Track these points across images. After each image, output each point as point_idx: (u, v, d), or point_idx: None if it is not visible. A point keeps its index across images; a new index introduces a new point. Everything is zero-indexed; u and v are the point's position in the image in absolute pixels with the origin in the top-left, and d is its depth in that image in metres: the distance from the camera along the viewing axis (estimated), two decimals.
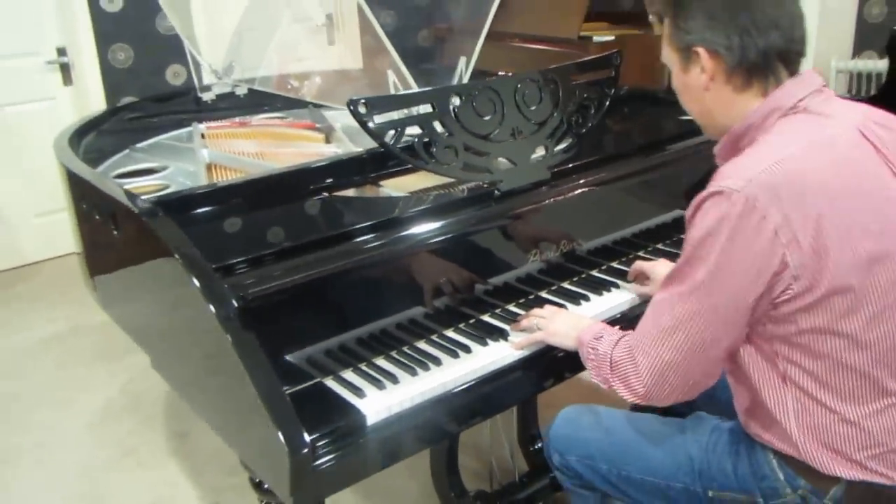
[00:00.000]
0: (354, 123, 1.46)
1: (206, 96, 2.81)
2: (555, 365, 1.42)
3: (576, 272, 1.66)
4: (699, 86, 1.19)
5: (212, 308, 1.15)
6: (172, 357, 1.49)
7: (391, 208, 1.51)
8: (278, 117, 2.76)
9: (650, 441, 1.32)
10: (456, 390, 1.32)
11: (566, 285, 1.64)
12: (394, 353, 1.39)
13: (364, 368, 1.35)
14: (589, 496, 1.41)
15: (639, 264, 1.60)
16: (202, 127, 2.54)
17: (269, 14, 2.97)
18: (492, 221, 1.53)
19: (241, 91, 2.88)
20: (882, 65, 3.75)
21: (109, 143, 2.37)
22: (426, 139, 1.49)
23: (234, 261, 1.27)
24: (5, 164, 3.85)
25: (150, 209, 1.35)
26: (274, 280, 1.25)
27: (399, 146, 1.46)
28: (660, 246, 1.82)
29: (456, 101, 1.52)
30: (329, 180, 1.66)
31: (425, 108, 1.52)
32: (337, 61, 3.36)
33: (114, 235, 1.54)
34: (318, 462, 1.14)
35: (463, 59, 1.82)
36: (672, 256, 1.68)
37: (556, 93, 1.67)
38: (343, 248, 1.35)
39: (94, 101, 3.89)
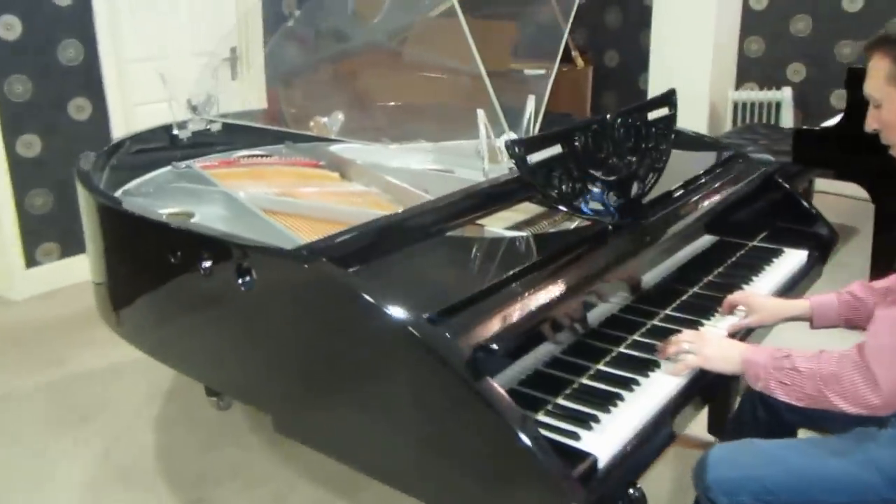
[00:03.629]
0: (377, 160, 1.45)
1: (182, 134, 2.63)
2: (708, 389, 1.51)
3: (672, 301, 1.77)
4: None
5: (457, 370, 1.13)
6: (349, 430, 1.39)
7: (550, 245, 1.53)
8: (262, 155, 2.65)
9: (831, 462, 1.39)
10: (650, 419, 1.37)
11: (671, 312, 1.73)
12: (570, 393, 1.42)
13: (554, 411, 1.36)
14: None
15: (731, 297, 1.72)
16: (197, 167, 2.40)
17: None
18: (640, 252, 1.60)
19: (216, 127, 2.73)
20: (772, 95, 4.23)
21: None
22: (561, 177, 1.53)
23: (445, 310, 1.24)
24: None
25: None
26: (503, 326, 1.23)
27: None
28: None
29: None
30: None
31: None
32: (239, 98, 3.26)
33: (239, 292, 1.44)
34: None
35: (532, 98, 1.87)
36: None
37: (640, 132, 1.77)
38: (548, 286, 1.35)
39: None
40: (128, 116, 3.89)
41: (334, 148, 2.56)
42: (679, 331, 1.62)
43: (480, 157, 1.85)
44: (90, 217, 1.91)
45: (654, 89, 4.69)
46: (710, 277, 1.89)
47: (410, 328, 1.16)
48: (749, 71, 4.57)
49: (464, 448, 1.19)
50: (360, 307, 1.20)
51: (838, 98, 4.30)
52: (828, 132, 2.92)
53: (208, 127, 2.71)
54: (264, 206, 1.96)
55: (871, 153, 2.76)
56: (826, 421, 1.57)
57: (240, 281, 1.40)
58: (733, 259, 2.00)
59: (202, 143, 2.64)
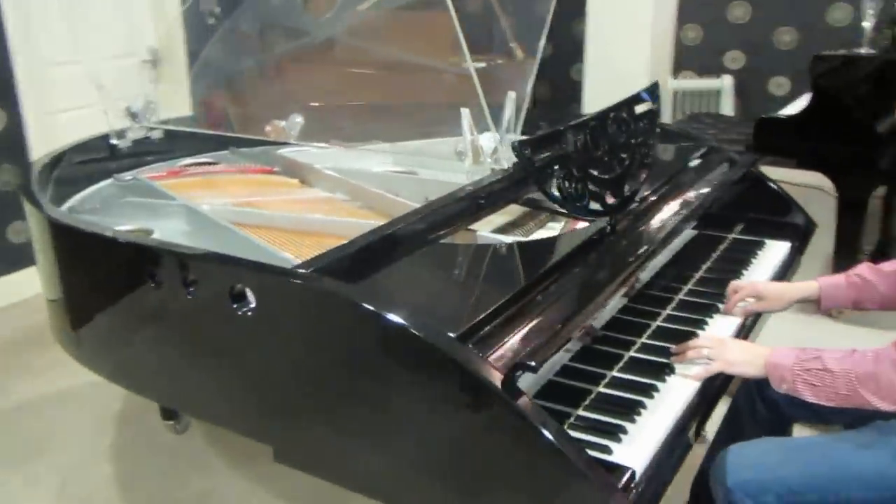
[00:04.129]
0: (336, 163, 1.34)
1: (122, 143, 2.44)
2: (721, 390, 1.47)
3: (670, 301, 1.72)
4: None
5: (496, 391, 1.04)
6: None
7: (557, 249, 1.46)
8: (208, 162, 2.50)
9: (855, 456, 1.37)
10: (674, 426, 1.31)
11: (672, 312, 1.69)
12: (590, 403, 1.35)
13: (578, 423, 1.30)
14: None
15: (736, 284, 1.70)
16: (144, 178, 2.23)
17: None
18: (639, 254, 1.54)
19: (157, 135, 2.55)
20: (712, 83, 4.28)
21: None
22: (563, 178, 1.46)
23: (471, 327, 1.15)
24: None
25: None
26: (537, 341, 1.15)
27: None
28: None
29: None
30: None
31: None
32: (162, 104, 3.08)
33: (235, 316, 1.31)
34: None
35: (512, 95, 1.79)
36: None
37: (630, 127, 1.72)
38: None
39: None
40: (47, 125, 3.62)
41: (285, 152, 2.43)
42: (685, 331, 1.59)
43: (462, 158, 1.76)
44: (44, 242, 1.73)
45: (591, 79, 4.68)
46: (701, 273, 1.86)
47: (442, 349, 1.07)
48: (687, 59, 4.61)
49: (504, 472, 1.11)
50: (384, 330, 1.10)
51: (777, 86, 4.38)
52: (793, 120, 2.95)
53: (148, 135, 2.53)
54: (233, 219, 1.82)
55: (835, 141, 2.87)
56: (834, 415, 1.55)
57: (235, 305, 1.27)
58: (718, 253, 1.98)
59: (143, 153, 2.47)
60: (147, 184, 2.15)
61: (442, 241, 1.54)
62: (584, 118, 1.55)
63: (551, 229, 1.74)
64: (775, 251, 2.01)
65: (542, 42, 1.84)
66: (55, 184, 2.05)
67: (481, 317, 1.17)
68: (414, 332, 1.08)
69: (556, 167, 1.44)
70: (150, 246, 1.46)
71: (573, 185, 1.45)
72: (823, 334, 2.77)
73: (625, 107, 1.68)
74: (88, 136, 2.37)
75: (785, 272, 1.93)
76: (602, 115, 1.59)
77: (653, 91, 1.86)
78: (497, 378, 1.07)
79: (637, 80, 4.31)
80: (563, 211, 1.53)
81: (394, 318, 1.09)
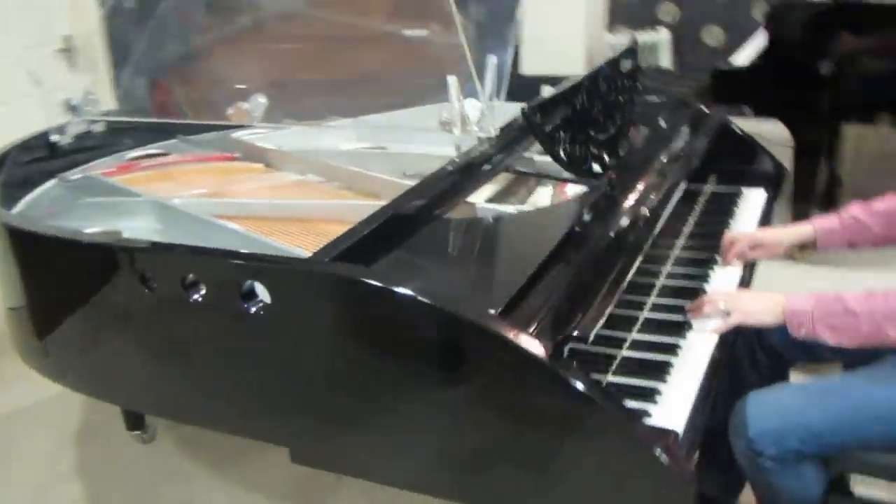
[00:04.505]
0: (300, 144, 1.26)
1: (62, 140, 2.27)
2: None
3: (667, 258, 1.72)
4: None
5: (552, 369, 1.00)
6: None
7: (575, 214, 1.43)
8: (158, 154, 2.35)
9: (876, 393, 1.38)
10: (702, 382, 1.31)
11: (673, 269, 1.68)
12: (617, 369, 1.33)
13: (611, 390, 1.27)
14: (808, 468, 1.42)
15: (732, 235, 1.70)
16: (96, 175, 2.09)
17: None
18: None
19: (98, 128, 2.38)
20: (649, 37, 4.30)
21: None
22: (569, 141, 1.43)
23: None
24: None
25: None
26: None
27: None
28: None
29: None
30: None
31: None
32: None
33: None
34: None
35: (493, 58, 1.73)
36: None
37: (618, 87, 1.69)
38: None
39: None
40: None
41: (241, 135, 2.31)
42: (691, 288, 1.59)
43: (447, 128, 1.70)
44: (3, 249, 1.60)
45: (528, 37, 4.63)
46: (690, 228, 1.86)
47: (487, 326, 1.02)
48: (620, 14, 4.62)
49: (559, 452, 1.07)
50: (422, 314, 1.04)
51: (710, 35, 4.42)
52: (750, 70, 3.00)
53: (90, 129, 2.36)
54: (210, 212, 1.71)
55: (790, 87, 2.93)
56: (840, 354, 1.58)
57: (245, 304, 1.19)
58: (701, 206, 1.98)
59: (87, 148, 2.30)
60: (102, 181, 2.00)
61: (445, 216, 1.49)
62: (579, 79, 1.51)
63: (542, 194, 1.70)
64: (754, 199, 2.03)
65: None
66: (2, 188, 1.89)
67: (516, 291, 1.13)
68: (462, 314, 1.03)
69: (562, 131, 1.40)
70: (142, 247, 1.35)
71: (578, 148, 1.42)
72: (790, 279, 2.84)
73: (612, 66, 1.65)
74: (28, 134, 2.20)
75: (769, 218, 1.95)
76: (594, 76, 1.56)
77: (633, 51, 1.84)
78: (545, 353, 1.03)
79: (574, 36, 4.31)
80: (555, 175, 1.49)
81: (437, 302, 1.03)
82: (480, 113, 1.66)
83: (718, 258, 1.70)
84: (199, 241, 1.57)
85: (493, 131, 1.70)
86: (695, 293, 1.55)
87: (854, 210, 1.67)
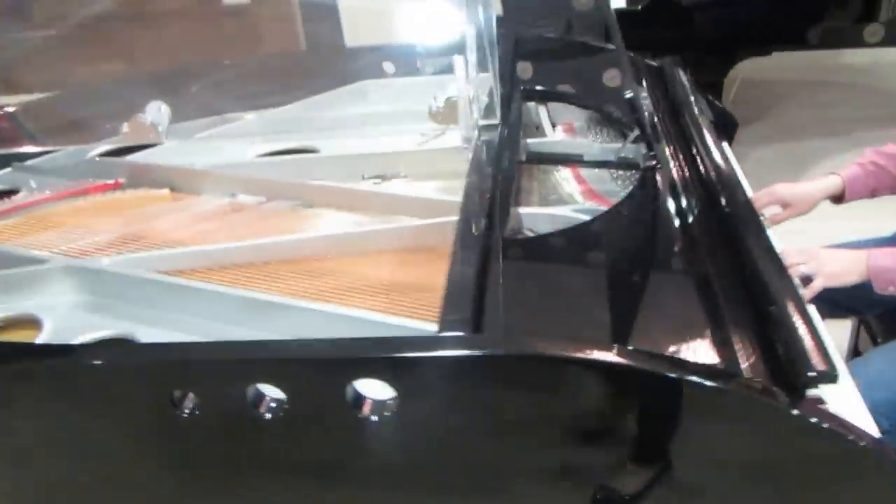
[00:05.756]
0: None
1: None
2: None
3: None
4: None
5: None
6: None
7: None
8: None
9: None
10: None
11: None
12: None
13: None
14: None
15: (758, 196, 1.58)
16: None
17: None
18: None
19: None
20: None
21: None
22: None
23: None
24: None
25: None
26: None
27: None
28: None
29: None
30: None
31: None
32: None
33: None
34: None
35: (460, 58, 1.42)
36: None
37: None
38: None
39: None
40: None
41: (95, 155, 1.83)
42: None
43: (438, 118, 1.41)
44: None
45: (344, 8, 4.27)
46: None
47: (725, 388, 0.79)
48: None
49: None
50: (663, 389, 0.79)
51: None
52: (644, 12, 2.93)
53: None
54: (156, 268, 1.28)
55: (680, 26, 2.87)
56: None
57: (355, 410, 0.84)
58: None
59: None
60: None
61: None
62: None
63: (569, 188, 1.47)
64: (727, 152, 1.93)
65: None
66: None
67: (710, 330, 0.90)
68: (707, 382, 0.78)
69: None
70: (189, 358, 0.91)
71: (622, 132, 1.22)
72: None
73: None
74: None
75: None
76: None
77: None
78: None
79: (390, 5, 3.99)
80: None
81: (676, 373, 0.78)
82: (490, 98, 1.38)
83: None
84: (174, 314, 1.17)
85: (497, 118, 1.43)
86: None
87: (871, 156, 1.62)
